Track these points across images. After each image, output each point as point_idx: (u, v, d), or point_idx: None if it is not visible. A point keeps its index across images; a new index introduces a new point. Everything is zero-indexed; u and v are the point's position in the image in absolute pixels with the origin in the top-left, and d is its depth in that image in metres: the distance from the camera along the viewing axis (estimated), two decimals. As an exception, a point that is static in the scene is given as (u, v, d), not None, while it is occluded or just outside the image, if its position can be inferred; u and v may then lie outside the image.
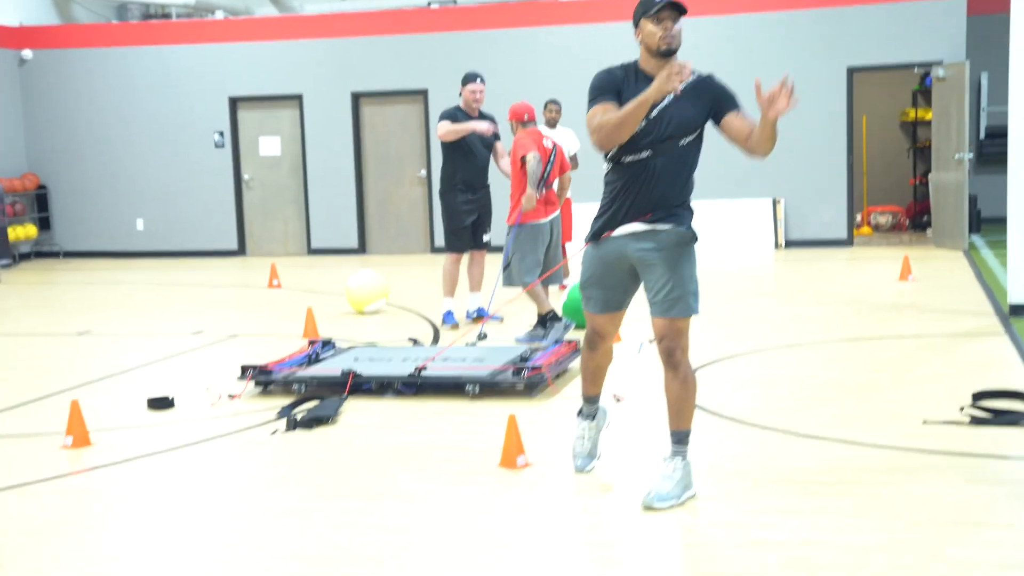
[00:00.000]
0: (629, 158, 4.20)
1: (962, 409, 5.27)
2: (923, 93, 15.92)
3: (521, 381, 6.17)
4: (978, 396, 5.53)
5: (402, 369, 6.50)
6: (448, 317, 8.68)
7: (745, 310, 9.01)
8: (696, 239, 4.27)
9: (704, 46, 13.82)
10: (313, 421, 5.71)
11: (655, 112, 4.16)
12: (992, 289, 9.49)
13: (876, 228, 15.35)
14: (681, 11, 4.06)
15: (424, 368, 6.36)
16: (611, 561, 3.78)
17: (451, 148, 8.61)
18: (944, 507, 4.10)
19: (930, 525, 3.92)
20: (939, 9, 13.22)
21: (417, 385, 6.32)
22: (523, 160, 7.65)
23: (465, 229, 8.65)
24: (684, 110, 4.18)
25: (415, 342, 7.65)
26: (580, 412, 4.82)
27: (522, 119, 7.80)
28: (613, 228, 4.30)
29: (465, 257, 8.84)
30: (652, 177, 4.19)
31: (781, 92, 3.85)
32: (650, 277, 4.25)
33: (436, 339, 8.11)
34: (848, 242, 13.78)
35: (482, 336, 7.69)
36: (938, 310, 8.55)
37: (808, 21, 13.67)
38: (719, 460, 4.81)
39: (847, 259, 12.72)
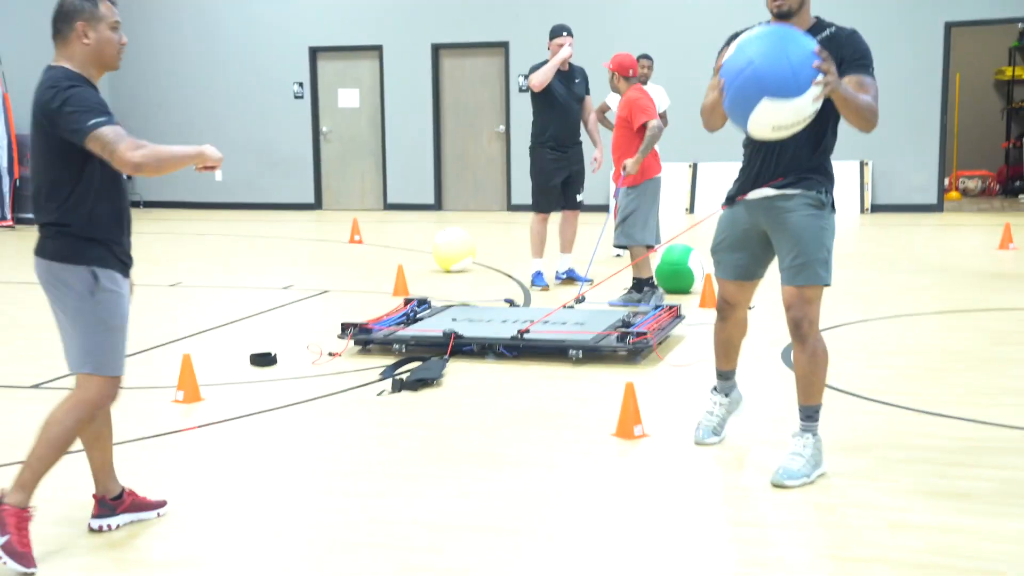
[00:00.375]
0: None
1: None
2: (1021, 50, 15.41)
3: (626, 347, 6.05)
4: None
5: (503, 331, 6.41)
6: (538, 278, 8.56)
7: (841, 278, 8.78)
8: (827, 205, 4.10)
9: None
10: (418, 383, 5.65)
11: None
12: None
13: (964, 193, 14.96)
14: None
15: (527, 331, 6.26)
16: (746, 542, 3.66)
17: (541, 103, 8.45)
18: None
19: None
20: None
21: (519, 348, 6.23)
22: (643, 125, 7.49)
23: (554, 188, 8.50)
24: None
25: (511, 303, 7.56)
26: (714, 387, 4.69)
27: (627, 73, 7.60)
28: (746, 192, 4.16)
29: (554, 217, 8.70)
30: (773, 148, 4.02)
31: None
32: (780, 243, 4.10)
33: (528, 300, 8.01)
34: (938, 207, 13.43)
35: (581, 300, 7.57)
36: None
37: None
38: (846, 435, 4.66)
39: (938, 224, 12.40)
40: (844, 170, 13.51)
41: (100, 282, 3.48)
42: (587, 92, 8.58)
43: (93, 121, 3.34)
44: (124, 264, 3.58)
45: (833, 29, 4.02)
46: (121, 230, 3.57)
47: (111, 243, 3.52)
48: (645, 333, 6.13)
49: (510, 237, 11.91)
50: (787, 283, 4.08)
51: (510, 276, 9.20)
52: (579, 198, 8.65)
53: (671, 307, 6.84)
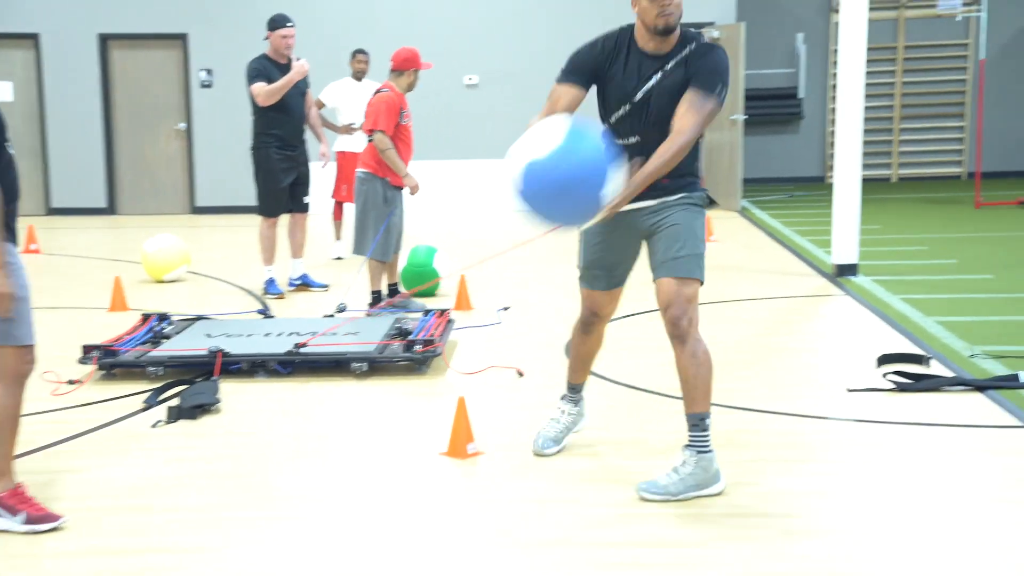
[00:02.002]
0: (621, 140, 3.86)
1: (885, 376, 5.31)
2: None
3: (416, 356, 5.70)
4: (882, 360, 5.61)
5: (273, 346, 5.86)
6: (271, 286, 7.98)
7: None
8: (704, 206, 4.00)
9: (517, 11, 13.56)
10: (196, 409, 5.02)
11: (639, 96, 3.82)
12: (795, 249, 9.81)
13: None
14: None
15: (305, 345, 5.75)
16: (601, 565, 3.44)
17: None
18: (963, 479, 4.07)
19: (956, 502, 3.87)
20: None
21: (294, 363, 5.72)
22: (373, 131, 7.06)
23: (283, 190, 7.93)
24: (673, 89, 3.82)
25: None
26: (563, 396, 4.46)
27: (403, 68, 7.16)
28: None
29: (282, 220, 8.14)
30: (649, 157, 3.85)
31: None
32: (659, 240, 3.91)
33: (265, 310, 7.42)
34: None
35: (341, 308, 7.10)
36: (764, 271, 8.72)
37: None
38: (668, 438, 4.57)
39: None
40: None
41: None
42: (307, 86, 8.08)
43: None
44: (15, 234, 3.68)
45: (693, 46, 3.85)
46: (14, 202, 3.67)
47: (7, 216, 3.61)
48: (433, 341, 5.80)
49: (204, 242, 11.14)
50: (667, 275, 3.86)
51: (233, 284, 8.53)
52: (306, 200, 8.14)
53: (442, 311, 6.54)
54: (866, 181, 15.84)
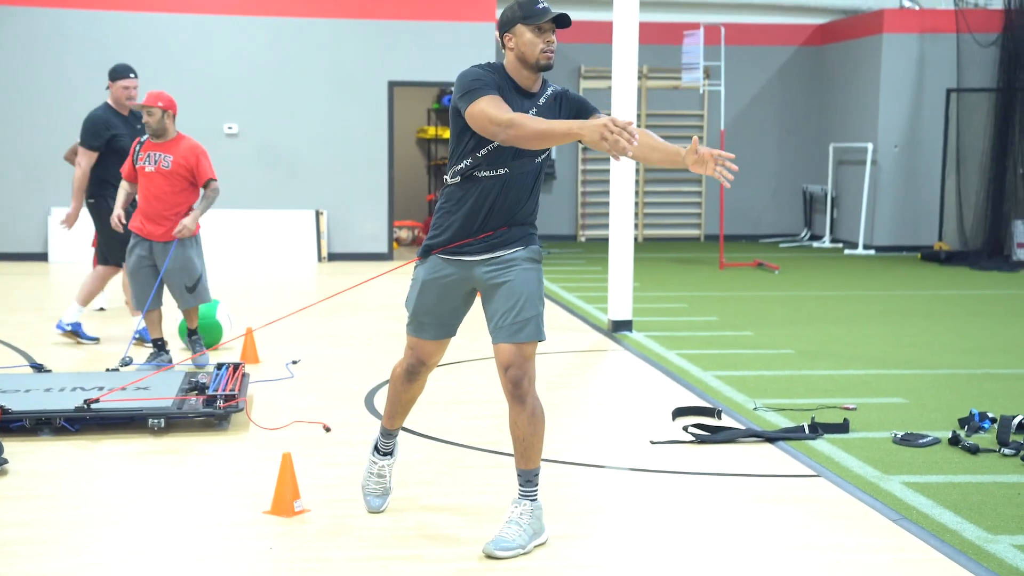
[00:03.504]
0: (485, 173, 3.89)
1: (685, 428, 5.56)
2: (439, 111, 16.67)
3: (218, 412, 5.49)
4: (678, 413, 5.89)
5: (57, 401, 5.49)
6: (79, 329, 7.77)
7: (355, 326, 8.79)
8: (541, 259, 4.08)
9: (248, 47, 13.36)
10: (-18, 470, 4.64)
11: None
12: (566, 305, 10.11)
13: (398, 242, 15.76)
14: (566, 24, 3.83)
15: (96, 400, 5.41)
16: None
17: (107, 151, 7.66)
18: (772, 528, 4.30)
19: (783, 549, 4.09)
20: (470, 31, 13.81)
21: (84, 420, 5.37)
22: (208, 181, 6.80)
23: (124, 238, 7.54)
24: None
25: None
26: (376, 448, 4.39)
27: (175, 112, 6.88)
28: (455, 245, 3.97)
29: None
30: (505, 194, 3.91)
31: (712, 159, 3.80)
32: (497, 299, 3.94)
33: (38, 365, 6.90)
34: (389, 256, 13.99)
35: (126, 362, 6.73)
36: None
37: (351, 32, 13.67)
38: (497, 497, 4.62)
39: (393, 272, 12.90)
40: (301, 219, 13.59)
41: None
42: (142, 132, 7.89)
43: None
44: None
45: (553, 88, 3.98)
46: None
47: None
48: (235, 395, 5.61)
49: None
50: (506, 340, 3.90)
51: (-13, 335, 7.93)
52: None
53: (235, 365, 6.33)
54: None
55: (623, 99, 8.49)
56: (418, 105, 16.84)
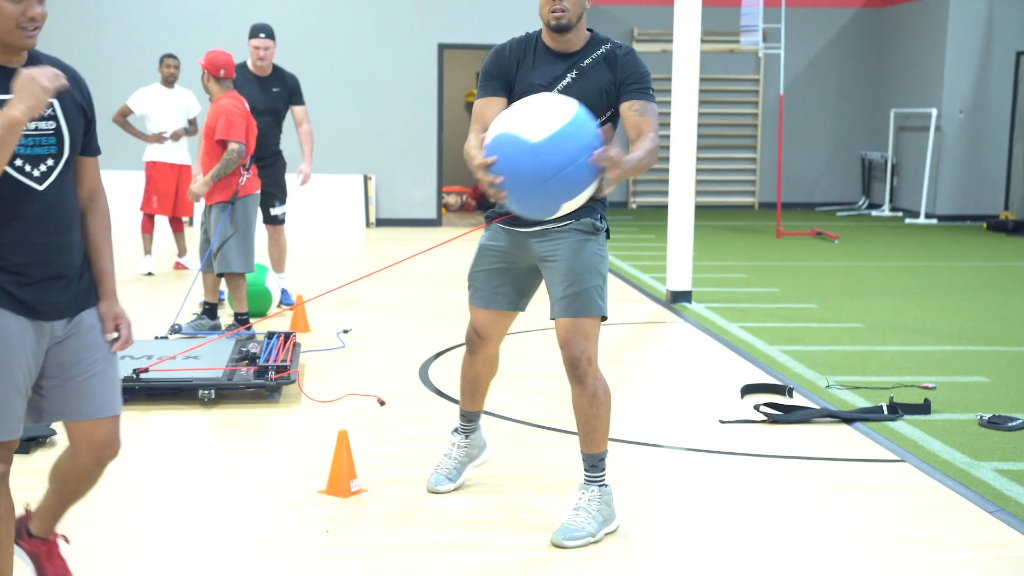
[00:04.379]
0: None
1: (757, 408, 5.29)
2: (489, 76, 16.39)
3: (269, 383, 5.29)
4: (747, 390, 5.61)
5: (105, 371, 5.32)
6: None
7: (403, 295, 8.58)
8: (601, 231, 3.79)
9: (292, 8, 13.11)
10: (30, 443, 4.47)
11: (557, 91, 3.64)
12: (622, 275, 9.83)
13: (447, 207, 15.53)
14: None
15: (146, 370, 5.24)
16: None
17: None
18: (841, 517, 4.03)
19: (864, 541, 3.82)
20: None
21: (134, 390, 5.20)
22: (223, 141, 6.50)
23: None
24: (593, 88, 3.67)
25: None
26: (455, 428, 4.18)
27: (218, 73, 6.62)
28: (510, 216, 3.73)
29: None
30: None
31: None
32: (551, 273, 3.71)
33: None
34: (437, 221, 13.76)
35: (175, 329, 6.55)
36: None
37: (401, -6, 13.39)
38: (572, 475, 4.38)
39: (439, 238, 12.68)
40: (349, 184, 13.39)
41: None
42: (297, 102, 7.77)
43: None
44: (17, 300, 2.76)
45: (608, 46, 3.71)
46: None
47: None
48: (287, 367, 5.41)
49: None
50: (560, 315, 3.67)
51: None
52: (277, 212, 7.75)
53: (287, 335, 6.13)
54: (665, 208, 16.39)
55: (684, 64, 8.16)
56: (468, 68, 16.52)
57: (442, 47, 13.49)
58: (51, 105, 2.76)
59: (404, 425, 5.02)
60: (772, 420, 5.14)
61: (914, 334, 7.30)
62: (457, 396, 4.89)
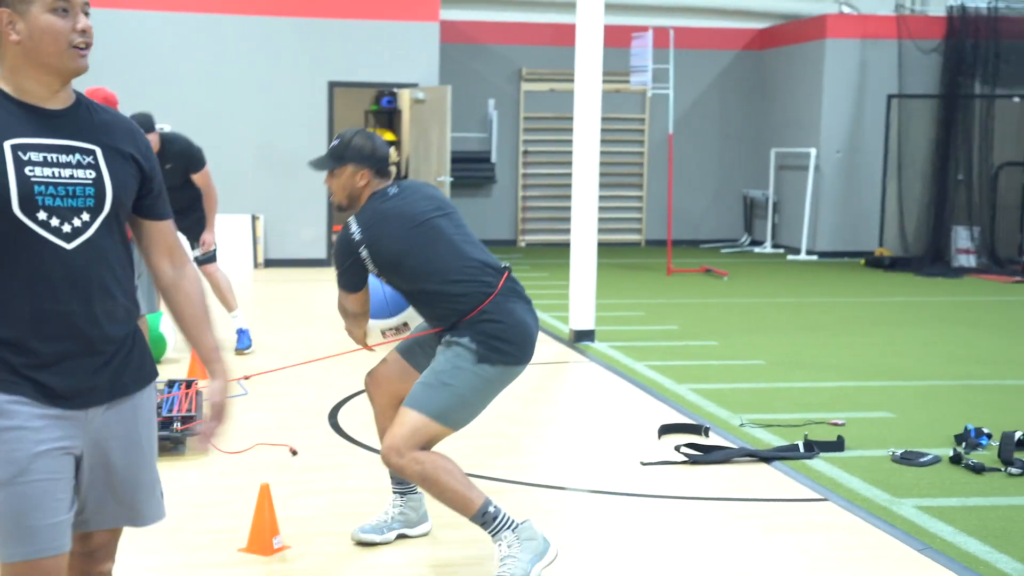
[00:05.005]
0: None
1: (677, 448, 5.27)
2: (376, 113, 16.26)
3: (174, 435, 5.06)
4: (663, 430, 5.60)
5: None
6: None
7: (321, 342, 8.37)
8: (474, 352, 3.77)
9: (181, 45, 12.81)
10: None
11: None
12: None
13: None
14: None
15: (42, 424, 4.94)
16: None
17: None
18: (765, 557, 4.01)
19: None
20: (414, 31, 13.47)
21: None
22: None
23: None
24: None
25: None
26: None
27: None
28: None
29: None
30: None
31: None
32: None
33: None
34: (327, 262, 13.54)
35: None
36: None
37: (289, 30, 13.21)
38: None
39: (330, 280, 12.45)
40: (236, 224, 13.08)
41: None
42: (195, 169, 7.69)
43: None
44: (36, 384, 2.31)
45: None
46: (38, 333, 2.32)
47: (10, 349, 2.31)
48: (192, 417, 5.18)
49: None
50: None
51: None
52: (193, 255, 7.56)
53: (187, 382, 5.88)
54: (555, 246, 16.50)
55: (585, 104, 8.19)
56: (356, 106, 16.39)
57: (332, 85, 13.36)
58: (92, 152, 2.38)
59: (321, 475, 4.85)
60: (693, 461, 5.13)
61: (816, 370, 7.42)
62: (370, 443, 4.75)
